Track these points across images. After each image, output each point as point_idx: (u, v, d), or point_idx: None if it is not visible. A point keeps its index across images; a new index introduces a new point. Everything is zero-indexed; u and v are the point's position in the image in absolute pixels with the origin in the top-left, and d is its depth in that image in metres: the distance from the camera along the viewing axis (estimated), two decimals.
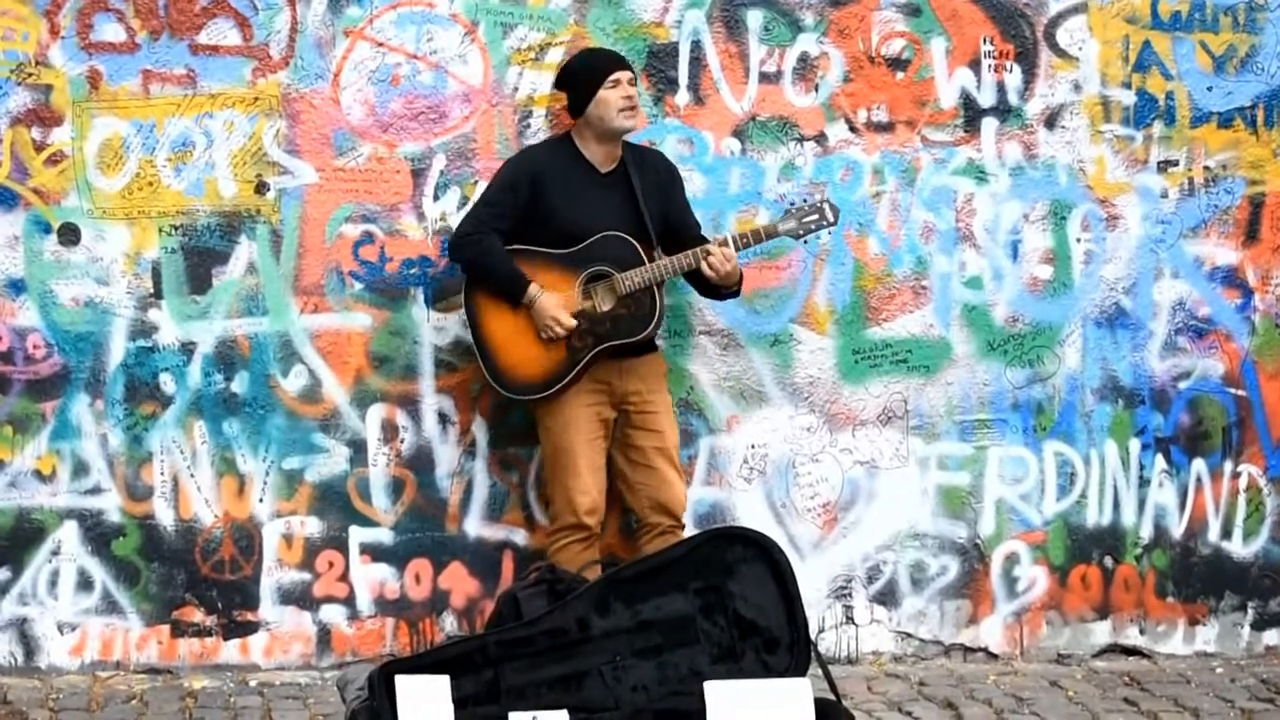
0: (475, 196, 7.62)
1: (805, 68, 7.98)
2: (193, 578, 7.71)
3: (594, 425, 7.49)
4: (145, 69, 7.57)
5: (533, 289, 7.36)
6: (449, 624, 7.86)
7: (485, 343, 7.46)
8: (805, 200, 7.71)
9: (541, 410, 7.50)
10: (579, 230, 7.40)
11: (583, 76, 7.46)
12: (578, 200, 7.42)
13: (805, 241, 7.80)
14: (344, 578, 7.80)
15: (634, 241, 7.40)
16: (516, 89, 7.81)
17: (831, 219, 7.59)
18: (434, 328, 7.78)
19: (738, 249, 7.47)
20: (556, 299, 7.37)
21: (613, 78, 7.40)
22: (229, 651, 7.75)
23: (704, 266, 7.39)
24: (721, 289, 7.53)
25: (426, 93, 7.76)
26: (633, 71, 7.52)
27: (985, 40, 8.07)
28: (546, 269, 7.40)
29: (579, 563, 7.28)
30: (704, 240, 7.54)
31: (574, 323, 7.36)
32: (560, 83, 7.59)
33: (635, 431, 7.56)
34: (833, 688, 6.50)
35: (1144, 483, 8.27)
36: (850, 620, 8.12)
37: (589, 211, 7.41)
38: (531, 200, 7.40)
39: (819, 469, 8.07)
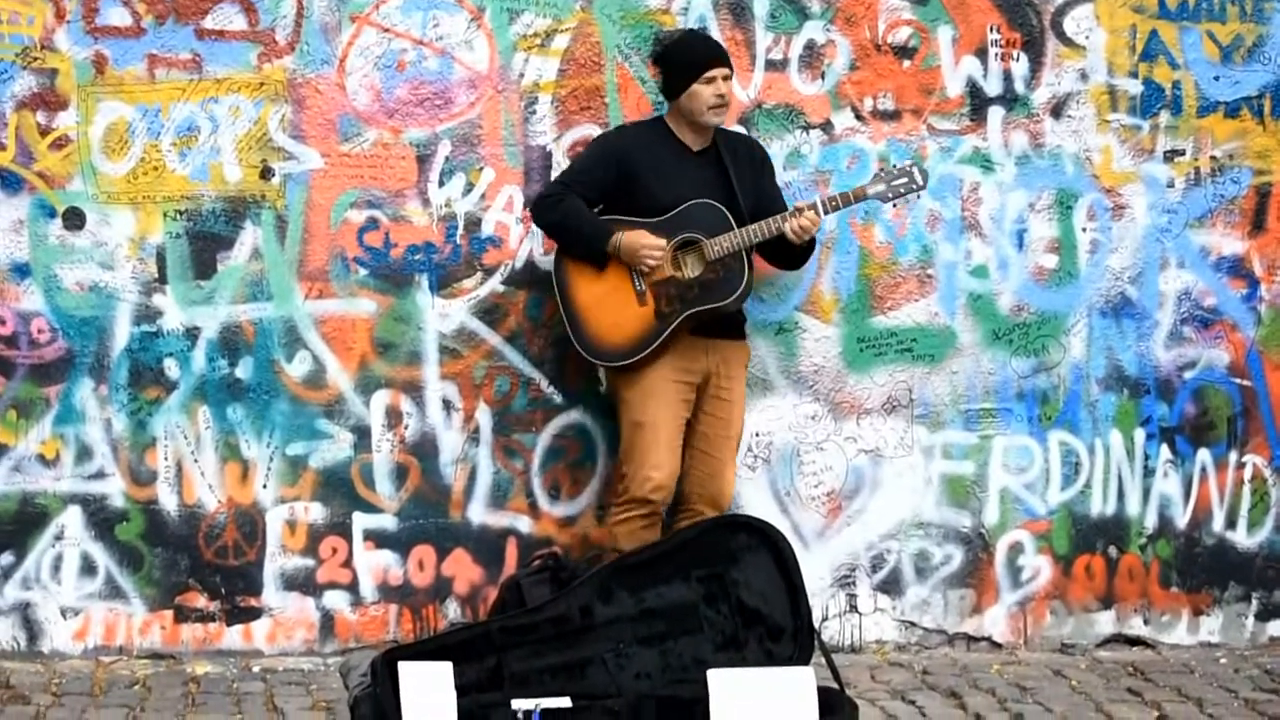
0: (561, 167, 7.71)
1: (811, 55, 7.97)
2: (196, 563, 7.71)
3: (677, 404, 7.44)
4: (151, 53, 7.57)
5: (615, 234, 7.31)
6: (452, 611, 7.86)
7: (574, 309, 7.42)
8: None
9: (623, 383, 7.45)
10: (669, 205, 7.36)
11: (680, 66, 7.40)
12: (669, 175, 7.39)
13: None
14: (347, 564, 7.80)
15: (722, 208, 7.35)
16: (523, 75, 7.80)
17: (920, 182, 7.51)
18: (439, 314, 7.78)
19: (826, 212, 7.41)
20: (638, 231, 7.32)
21: (708, 74, 7.34)
22: (232, 637, 7.75)
23: (788, 230, 7.32)
24: (795, 251, 7.49)
25: (432, 79, 7.75)
26: (729, 66, 7.46)
27: (992, 29, 8.05)
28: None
29: (636, 540, 7.26)
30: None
31: (663, 241, 7.30)
32: (658, 60, 7.55)
33: (705, 416, 7.53)
34: (836, 677, 6.50)
35: (1149, 472, 8.26)
36: (854, 609, 8.11)
37: (680, 185, 7.38)
38: (620, 176, 7.39)
39: (823, 457, 8.06)
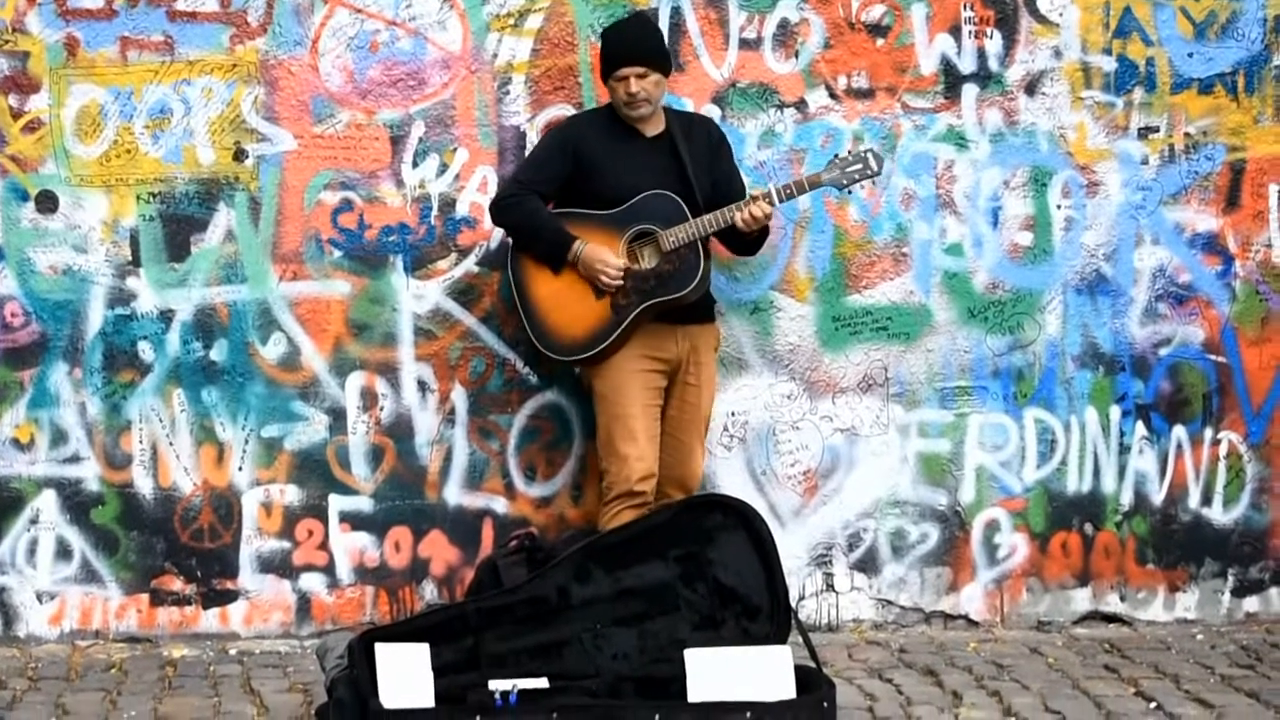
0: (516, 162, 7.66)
1: (785, 34, 7.96)
2: (172, 546, 7.70)
3: (650, 392, 7.42)
4: (123, 35, 7.55)
5: (576, 244, 7.30)
6: (429, 592, 7.86)
7: (530, 305, 7.40)
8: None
9: (596, 377, 7.44)
10: (625, 193, 7.34)
11: (602, 58, 7.41)
12: (622, 163, 7.36)
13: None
14: (323, 546, 7.79)
15: (677, 199, 7.33)
16: (496, 55, 7.78)
17: (875, 168, 7.48)
18: (413, 295, 7.77)
19: (781, 200, 7.39)
20: (599, 247, 7.29)
21: (619, 73, 7.31)
22: (208, 620, 7.74)
23: (738, 219, 7.28)
24: (748, 239, 7.46)
25: (405, 59, 7.73)
26: (644, 64, 7.32)
27: (966, 6, 8.04)
28: (591, 230, 7.33)
29: None
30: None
31: (621, 262, 7.28)
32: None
33: (674, 401, 7.52)
34: (813, 655, 6.51)
35: (1124, 449, 8.27)
36: (831, 588, 8.12)
37: (634, 174, 7.35)
38: (576, 165, 7.37)
39: (799, 436, 8.06)
